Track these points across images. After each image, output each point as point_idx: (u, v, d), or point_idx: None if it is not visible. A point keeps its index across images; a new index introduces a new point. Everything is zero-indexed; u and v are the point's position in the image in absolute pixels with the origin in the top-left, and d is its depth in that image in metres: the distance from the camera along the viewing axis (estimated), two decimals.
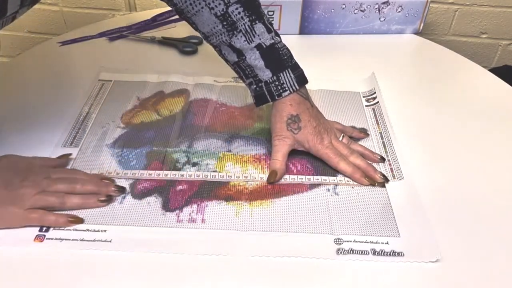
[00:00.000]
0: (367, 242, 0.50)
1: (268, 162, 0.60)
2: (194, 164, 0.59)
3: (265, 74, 0.57)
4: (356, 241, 0.50)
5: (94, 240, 0.49)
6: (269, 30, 0.57)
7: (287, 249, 0.49)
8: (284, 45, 0.59)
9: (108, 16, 1.18)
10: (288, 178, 0.57)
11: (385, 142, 0.63)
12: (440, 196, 0.56)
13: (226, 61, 0.61)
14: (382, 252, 0.49)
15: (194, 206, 0.53)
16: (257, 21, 0.56)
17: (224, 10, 0.55)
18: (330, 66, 0.81)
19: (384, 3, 0.87)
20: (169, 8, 0.95)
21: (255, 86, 0.59)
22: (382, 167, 0.59)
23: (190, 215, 0.52)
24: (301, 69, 0.59)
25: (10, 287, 0.45)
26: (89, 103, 0.69)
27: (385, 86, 0.74)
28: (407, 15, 0.89)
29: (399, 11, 0.89)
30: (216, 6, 0.55)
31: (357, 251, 0.49)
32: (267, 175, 0.57)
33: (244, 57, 0.57)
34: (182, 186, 0.56)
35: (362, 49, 0.87)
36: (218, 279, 0.46)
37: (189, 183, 0.56)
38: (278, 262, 0.48)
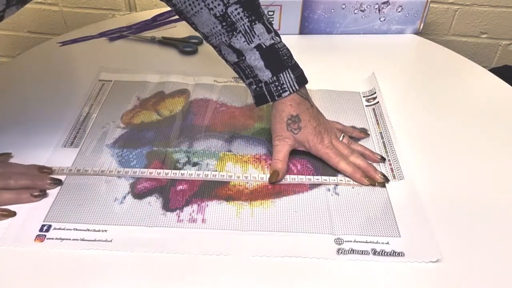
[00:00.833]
0: (368, 242, 0.50)
1: (268, 162, 0.60)
2: (195, 164, 0.59)
3: (265, 75, 0.57)
4: (357, 241, 0.50)
5: (94, 240, 0.49)
6: (269, 30, 0.57)
7: (287, 249, 0.49)
8: (284, 45, 0.59)
9: (108, 16, 1.18)
10: (288, 178, 0.57)
11: (385, 142, 0.63)
12: (440, 196, 0.56)
13: (226, 61, 0.61)
14: (383, 252, 0.49)
15: (195, 206, 0.53)
16: (256, 22, 0.56)
17: (224, 10, 0.55)
18: (330, 66, 0.81)
19: (384, 3, 0.87)
20: (169, 8, 0.95)
21: (255, 86, 0.59)
22: (382, 167, 0.59)
23: (190, 215, 0.52)
24: (301, 69, 0.59)
25: (11, 287, 0.45)
26: (89, 103, 0.69)
27: (385, 86, 0.74)
28: (407, 15, 0.89)
29: (399, 11, 0.89)
30: (215, 6, 0.55)
31: (358, 251, 0.49)
32: (268, 175, 0.57)
33: (244, 58, 0.57)
34: (182, 186, 0.56)
35: (362, 49, 0.87)
36: (218, 279, 0.46)
37: (190, 183, 0.56)
38: (278, 262, 0.48)
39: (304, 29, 0.90)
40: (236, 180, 0.57)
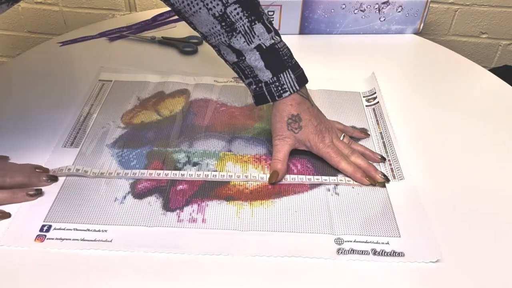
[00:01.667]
0: (368, 242, 0.50)
1: (268, 162, 0.60)
2: (195, 164, 0.59)
3: (265, 75, 0.57)
4: (357, 241, 0.50)
5: (94, 240, 0.49)
6: (268, 30, 0.57)
7: (287, 249, 0.49)
8: (284, 45, 0.59)
9: (108, 16, 1.18)
10: (288, 178, 0.57)
11: (385, 142, 0.64)
12: (440, 196, 0.56)
13: (225, 60, 0.61)
14: (383, 252, 0.49)
15: (195, 206, 0.53)
16: (256, 22, 0.56)
17: (223, 10, 0.55)
18: (330, 66, 0.81)
19: (384, 3, 0.87)
20: (169, 8, 0.95)
21: (254, 86, 0.59)
22: (382, 167, 0.59)
23: (190, 215, 0.52)
24: (301, 69, 0.59)
25: (11, 287, 0.45)
26: (89, 103, 0.69)
27: (385, 86, 0.74)
28: (407, 15, 0.89)
29: (399, 11, 0.89)
30: (214, 6, 0.55)
31: (358, 251, 0.49)
32: (268, 175, 0.57)
33: (243, 58, 0.57)
34: (182, 186, 0.56)
35: (362, 49, 0.87)
36: (218, 279, 0.46)
37: (190, 183, 0.56)
38: (278, 262, 0.48)
39: (304, 29, 0.90)
40: (236, 180, 0.57)
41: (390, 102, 0.71)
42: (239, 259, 0.48)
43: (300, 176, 0.58)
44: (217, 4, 0.55)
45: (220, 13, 0.55)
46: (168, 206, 0.53)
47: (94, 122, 0.65)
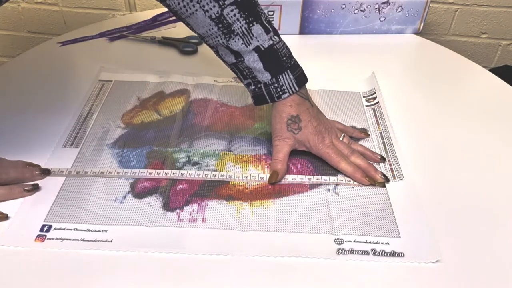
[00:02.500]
0: (368, 242, 0.50)
1: (268, 162, 0.60)
2: (195, 164, 0.59)
3: (264, 76, 0.57)
4: (357, 241, 0.50)
5: (95, 240, 0.49)
6: (267, 30, 0.57)
7: (287, 249, 0.49)
8: (284, 44, 0.58)
9: (108, 16, 1.18)
10: (288, 178, 0.57)
11: (385, 142, 0.64)
12: (440, 196, 0.56)
13: (224, 61, 0.61)
14: (383, 253, 0.49)
15: (195, 206, 0.53)
16: (254, 23, 0.56)
17: (219, 12, 0.55)
18: (330, 66, 0.81)
19: (384, 3, 0.87)
20: None
21: (253, 87, 0.59)
22: (382, 167, 0.60)
23: (190, 214, 0.52)
24: (301, 68, 0.59)
25: (11, 287, 0.45)
26: (90, 103, 0.69)
27: (385, 86, 0.74)
28: (407, 15, 0.89)
29: (399, 11, 0.89)
30: (210, 8, 0.54)
31: (358, 251, 0.49)
32: (268, 175, 0.57)
33: (242, 59, 0.57)
34: (182, 185, 0.56)
35: (362, 49, 0.87)
36: (218, 279, 0.46)
37: (190, 183, 0.56)
38: (278, 262, 0.48)
39: (304, 29, 0.90)
40: (236, 180, 0.57)
41: (390, 102, 0.71)
42: (239, 259, 0.48)
43: (300, 176, 0.58)
44: (214, 6, 0.54)
45: (217, 14, 0.55)
46: (168, 206, 0.53)
47: (94, 122, 0.66)
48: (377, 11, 0.88)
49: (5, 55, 1.31)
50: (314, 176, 0.58)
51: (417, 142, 0.64)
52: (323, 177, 0.58)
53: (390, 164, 0.60)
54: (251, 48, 0.56)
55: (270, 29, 0.57)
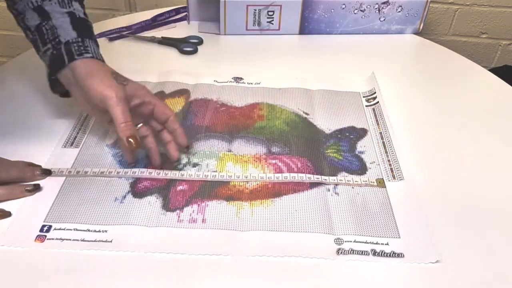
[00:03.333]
0: (367, 243, 0.50)
1: (268, 161, 0.60)
2: (195, 165, 0.59)
3: (70, 34, 0.53)
4: (356, 241, 0.50)
5: (95, 241, 0.49)
6: (86, 15, 0.56)
7: (287, 249, 0.49)
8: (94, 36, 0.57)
9: (108, 16, 1.18)
10: (288, 176, 0.57)
11: (385, 142, 0.64)
12: (440, 196, 0.56)
13: (26, 29, 0.56)
14: (382, 253, 0.49)
15: (195, 206, 0.53)
16: (74, 1, 0.55)
17: None
18: (330, 66, 0.81)
19: (384, 3, 0.87)
20: (169, 8, 0.95)
21: (52, 50, 0.54)
22: (382, 167, 0.59)
23: (190, 215, 0.52)
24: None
25: (11, 287, 0.45)
26: None
27: (385, 86, 0.74)
28: (407, 15, 0.89)
29: (399, 11, 0.89)
30: None
31: (357, 252, 0.49)
32: (267, 175, 0.57)
33: (49, 19, 0.54)
34: (182, 186, 0.56)
35: (362, 49, 0.87)
36: (218, 279, 0.46)
37: (190, 183, 0.56)
38: (278, 262, 0.48)
39: (304, 29, 0.90)
40: (236, 180, 0.57)
41: (390, 102, 0.71)
42: (239, 259, 0.48)
43: (300, 175, 0.58)
44: None
45: None
46: (168, 206, 0.53)
47: (94, 122, 0.65)
48: (377, 11, 0.88)
49: (5, 55, 1.31)
50: (314, 175, 0.58)
51: (417, 142, 0.64)
52: (323, 177, 0.58)
53: (390, 164, 0.60)
54: (65, 11, 0.54)
55: (88, 20, 0.57)
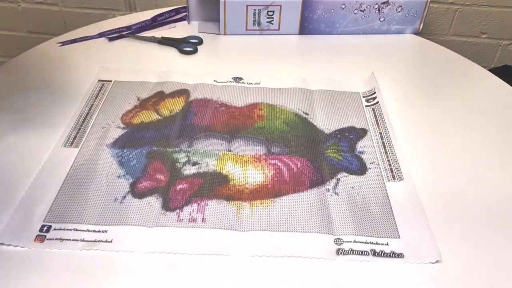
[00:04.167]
0: (367, 243, 0.50)
1: (268, 161, 0.60)
2: (194, 164, 0.59)
3: None
4: (356, 242, 0.50)
5: (95, 241, 0.49)
6: None
7: (287, 249, 0.49)
8: None
9: (108, 16, 1.18)
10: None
11: (385, 142, 0.64)
12: (440, 197, 0.56)
13: None
14: (382, 253, 0.49)
15: (195, 206, 0.53)
16: None
17: None
18: (330, 66, 0.81)
19: (384, 3, 0.87)
20: (169, 8, 0.95)
21: None
22: (382, 168, 0.59)
23: (190, 214, 0.52)
24: None
25: (11, 287, 0.45)
26: (89, 103, 0.69)
27: (385, 86, 0.74)
28: (407, 15, 0.89)
29: (399, 11, 0.89)
30: None
31: (357, 252, 0.49)
32: (268, 175, 0.57)
33: None
34: (182, 185, 0.56)
35: (362, 49, 0.87)
36: (218, 279, 0.46)
37: (189, 183, 0.56)
38: (278, 262, 0.48)
39: (304, 29, 0.90)
40: (236, 180, 0.57)
41: (389, 102, 0.71)
42: (239, 259, 0.48)
43: (300, 175, 0.58)
44: None
45: None
46: (168, 206, 0.53)
47: (94, 122, 0.66)
48: (377, 11, 0.88)
49: (5, 55, 1.31)
50: (314, 175, 0.58)
51: (417, 142, 0.64)
52: (323, 176, 0.58)
53: (390, 164, 0.60)
54: None
55: None
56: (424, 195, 0.56)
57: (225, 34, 0.89)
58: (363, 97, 0.73)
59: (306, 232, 0.51)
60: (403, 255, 0.48)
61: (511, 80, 0.78)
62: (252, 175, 0.58)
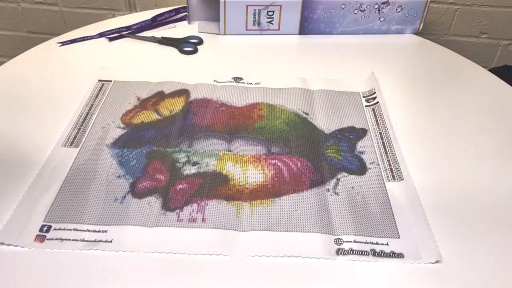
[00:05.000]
0: (367, 243, 0.50)
1: (268, 161, 0.60)
2: (194, 164, 0.59)
3: None
4: (356, 242, 0.50)
5: (94, 241, 0.49)
6: None
7: (287, 249, 0.49)
8: None
9: (108, 16, 1.18)
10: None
11: (385, 142, 0.64)
12: (440, 196, 0.56)
13: None
14: (382, 253, 0.49)
15: (195, 206, 0.53)
16: None
17: None
18: (330, 66, 0.81)
19: (384, 3, 0.87)
20: (169, 8, 0.95)
21: None
22: (382, 168, 0.59)
23: (190, 214, 0.52)
24: None
25: (11, 287, 0.45)
26: (89, 103, 0.69)
27: (385, 86, 0.74)
28: (407, 15, 0.89)
29: (399, 11, 0.89)
30: None
31: (357, 252, 0.49)
32: (268, 174, 0.57)
33: None
34: (182, 185, 0.56)
35: (362, 49, 0.87)
36: (218, 279, 0.46)
37: (189, 183, 0.56)
38: (278, 262, 0.48)
39: (304, 29, 0.90)
40: (236, 180, 0.57)
41: (389, 102, 0.71)
42: (239, 259, 0.48)
43: (300, 175, 0.58)
44: None
45: None
46: (167, 206, 0.53)
47: (94, 122, 0.66)
48: (377, 11, 0.88)
49: (5, 55, 1.31)
50: (314, 175, 0.58)
51: (417, 142, 0.64)
52: (323, 176, 0.58)
53: (390, 164, 0.60)
54: None
55: None
56: (424, 195, 0.56)
57: (225, 34, 0.89)
58: (363, 97, 0.73)
59: (306, 232, 0.51)
60: (403, 255, 0.48)
61: (511, 80, 0.78)
62: (252, 175, 0.58)
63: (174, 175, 0.57)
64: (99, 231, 0.50)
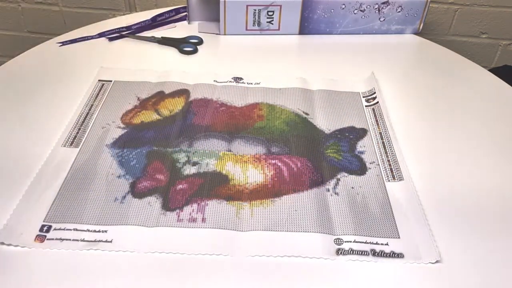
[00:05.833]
0: (367, 243, 0.50)
1: (268, 161, 0.60)
2: (194, 164, 0.59)
3: None
4: (356, 242, 0.50)
5: (95, 241, 0.49)
6: None
7: (287, 249, 0.49)
8: None
9: (108, 16, 1.18)
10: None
11: (385, 142, 0.64)
12: (440, 196, 0.56)
13: None
14: (382, 253, 0.49)
15: (195, 206, 0.53)
16: None
17: None
18: (330, 66, 0.81)
19: (384, 3, 0.87)
20: (169, 8, 0.95)
21: None
22: (382, 168, 0.59)
23: (190, 214, 0.52)
24: None
25: (11, 287, 0.45)
26: (89, 103, 0.69)
27: (385, 86, 0.74)
28: (407, 15, 0.89)
29: (399, 11, 0.89)
30: None
31: (357, 252, 0.49)
32: (268, 174, 0.57)
33: None
34: (182, 185, 0.56)
35: (362, 49, 0.87)
36: (218, 279, 0.46)
37: (189, 183, 0.56)
38: (278, 262, 0.48)
39: (304, 29, 0.90)
40: (236, 180, 0.57)
41: (389, 102, 0.71)
42: (239, 259, 0.48)
43: (300, 175, 0.58)
44: None
45: None
46: (168, 206, 0.53)
47: (94, 122, 0.66)
48: (377, 11, 0.88)
49: (5, 55, 1.31)
50: (314, 175, 0.58)
51: (417, 142, 0.64)
52: (323, 176, 0.58)
53: (390, 164, 0.60)
54: None
55: None
56: (424, 195, 0.56)
57: (225, 34, 0.89)
58: (363, 97, 0.73)
59: (306, 232, 0.51)
60: (403, 255, 0.48)
61: (511, 80, 0.78)
62: (252, 175, 0.58)
63: (174, 175, 0.57)
64: (99, 231, 0.50)
